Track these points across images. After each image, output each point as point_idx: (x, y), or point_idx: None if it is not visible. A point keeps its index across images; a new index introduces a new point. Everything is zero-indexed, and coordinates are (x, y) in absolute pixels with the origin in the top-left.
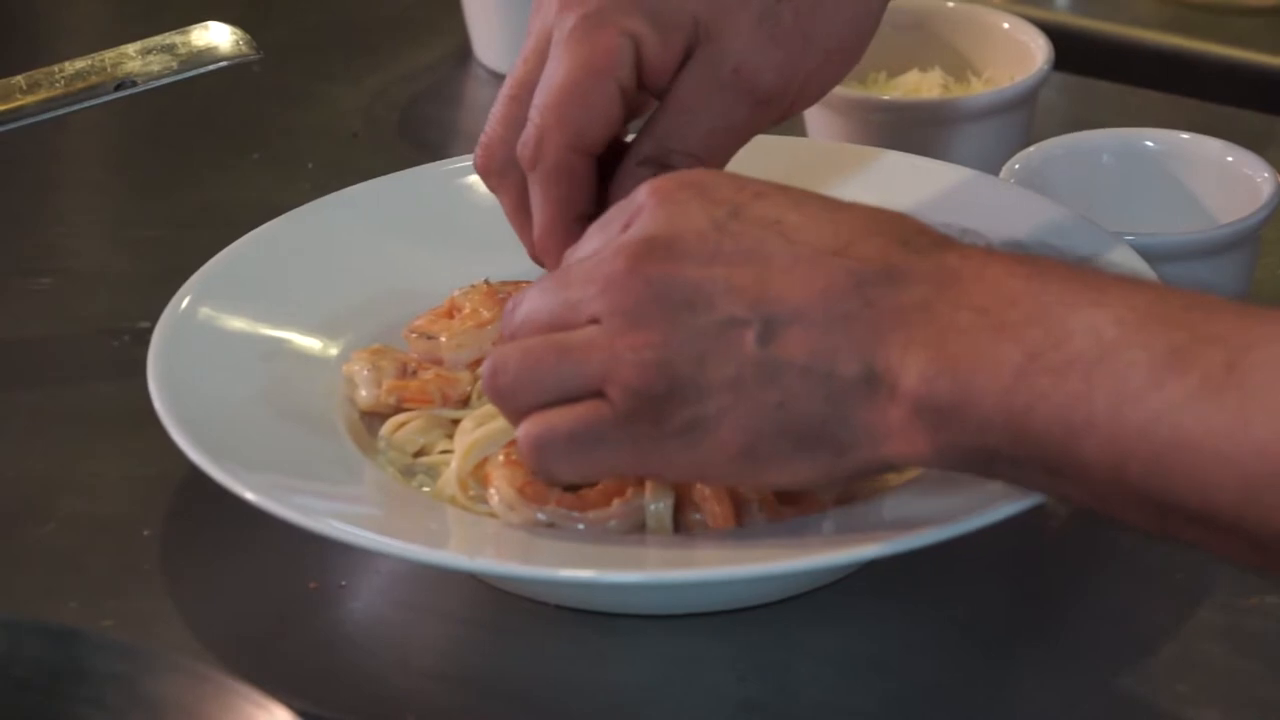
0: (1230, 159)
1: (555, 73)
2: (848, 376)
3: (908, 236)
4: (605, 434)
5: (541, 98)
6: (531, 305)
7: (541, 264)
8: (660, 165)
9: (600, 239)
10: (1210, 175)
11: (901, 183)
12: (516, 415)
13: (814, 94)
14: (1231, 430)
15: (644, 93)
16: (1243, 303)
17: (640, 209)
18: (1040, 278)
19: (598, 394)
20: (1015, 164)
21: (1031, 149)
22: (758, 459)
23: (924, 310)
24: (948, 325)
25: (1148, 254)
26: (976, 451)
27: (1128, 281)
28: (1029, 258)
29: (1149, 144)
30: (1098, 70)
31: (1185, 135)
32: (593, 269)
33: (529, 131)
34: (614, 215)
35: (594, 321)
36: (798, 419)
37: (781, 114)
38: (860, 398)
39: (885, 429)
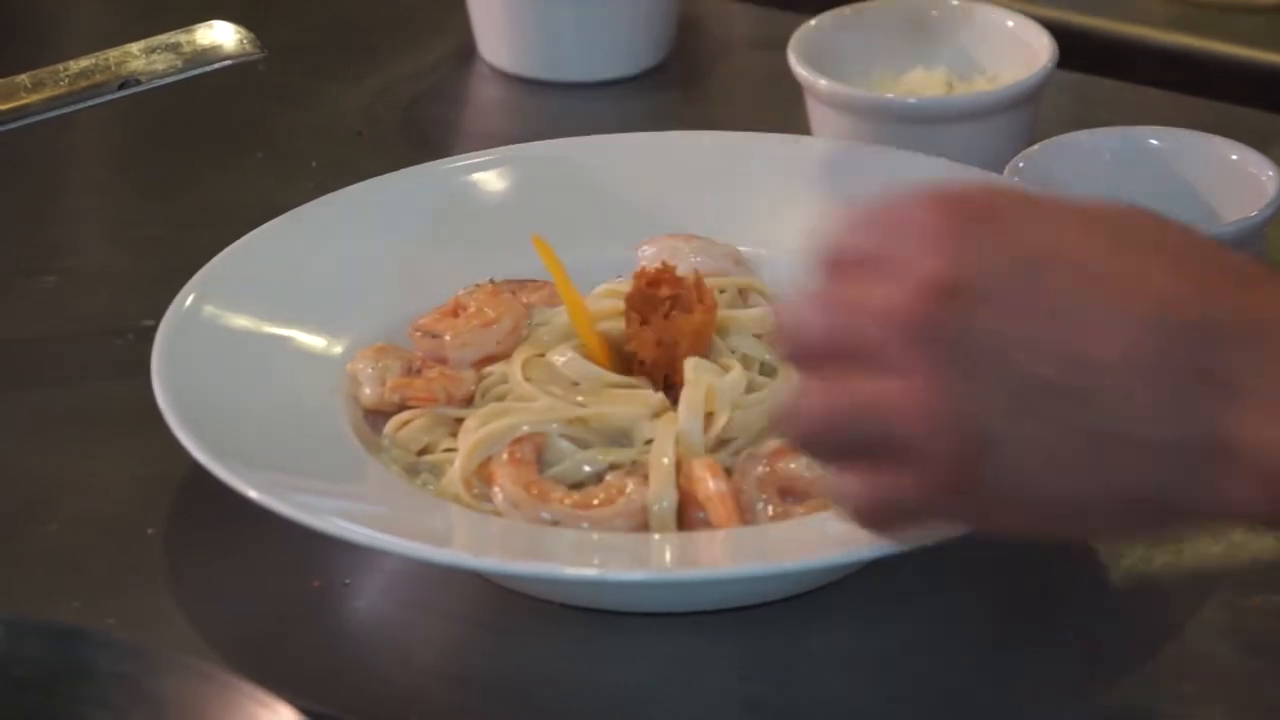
0: (1234, 157)
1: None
2: (1182, 446)
3: (1213, 280)
4: (927, 504)
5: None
6: (818, 331)
7: None
8: None
9: (873, 241)
10: (1214, 174)
11: (906, 181)
12: (821, 459)
13: None
14: None
15: None
16: None
17: (929, 238)
18: None
19: (906, 451)
20: (1019, 162)
21: (1035, 147)
22: (1086, 519)
23: (1262, 374)
24: None
25: None
26: None
27: None
28: None
29: (1153, 142)
30: (1102, 68)
31: (1189, 133)
32: (887, 311)
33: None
34: (889, 222)
35: (890, 370)
36: (1127, 485)
37: None
38: (1196, 467)
39: (1224, 495)
